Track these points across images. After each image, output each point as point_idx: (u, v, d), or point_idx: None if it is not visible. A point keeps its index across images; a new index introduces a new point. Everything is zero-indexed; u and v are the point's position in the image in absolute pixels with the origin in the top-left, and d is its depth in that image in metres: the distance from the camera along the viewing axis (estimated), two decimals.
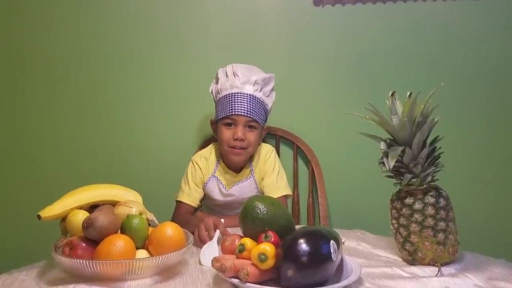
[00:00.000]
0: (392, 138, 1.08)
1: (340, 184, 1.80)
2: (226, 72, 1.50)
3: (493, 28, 1.80)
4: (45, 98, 1.78)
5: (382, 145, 1.08)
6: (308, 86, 1.81)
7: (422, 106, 1.03)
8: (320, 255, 0.85)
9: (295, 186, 1.77)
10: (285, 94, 1.79)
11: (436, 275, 0.98)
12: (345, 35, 1.80)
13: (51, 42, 1.76)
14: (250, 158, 1.56)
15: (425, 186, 1.06)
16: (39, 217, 1.02)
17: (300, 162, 1.81)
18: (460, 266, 1.04)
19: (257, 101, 1.46)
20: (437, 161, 1.06)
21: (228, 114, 1.44)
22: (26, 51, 1.76)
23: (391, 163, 1.01)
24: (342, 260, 0.96)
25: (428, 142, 1.06)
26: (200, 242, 1.17)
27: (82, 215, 1.01)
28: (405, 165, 1.05)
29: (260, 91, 1.48)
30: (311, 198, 1.75)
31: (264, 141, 1.76)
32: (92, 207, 1.09)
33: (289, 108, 1.81)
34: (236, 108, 1.43)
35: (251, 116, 1.44)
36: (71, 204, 1.05)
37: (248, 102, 1.44)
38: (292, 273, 0.83)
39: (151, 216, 1.09)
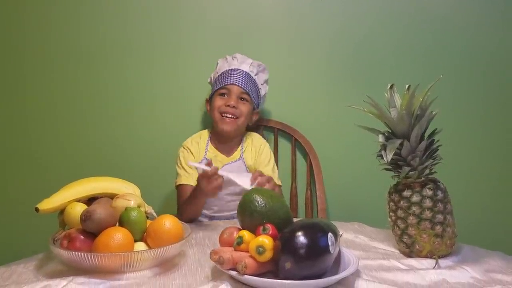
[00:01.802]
0: (390, 131, 1.08)
1: (338, 177, 1.80)
2: (226, 58, 1.61)
3: (492, 20, 1.79)
4: (43, 92, 1.77)
5: (380, 138, 1.08)
6: (306, 78, 1.81)
7: (421, 99, 1.03)
8: (318, 248, 0.86)
9: (293, 179, 1.77)
10: (283, 87, 1.79)
11: (434, 267, 0.98)
12: (343, 27, 1.79)
13: (50, 38, 1.75)
14: (241, 141, 1.60)
15: (423, 179, 1.06)
16: (37, 209, 1.02)
17: (298, 155, 1.81)
18: (458, 259, 1.04)
19: (252, 79, 1.58)
20: (435, 154, 1.06)
21: (223, 84, 1.55)
22: (24, 47, 1.75)
23: (389, 155, 1.01)
24: (340, 252, 0.96)
25: (426, 135, 1.06)
26: (213, 189, 1.29)
27: (80, 207, 1.01)
28: (403, 158, 1.05)
29: (255, 74, 1.59)
30: (309, 191, 1.76)
31: (262, 134, 1.77)
32: (90, 200, 1.09)
33: (287, 101, 1.81)
34: (232, 79, 1.54)
35: (245, 88, 1.54)
36: (69, 196, 1.05)
37: (244, 77, 1.56)
38: (290, 266, 0.83)
39: (149, 209, 1.09)
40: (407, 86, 1.05)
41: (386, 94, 1.07)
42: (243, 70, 1.57)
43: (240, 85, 1.54)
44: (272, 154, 1.64)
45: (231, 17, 1.78)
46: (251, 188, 1.28)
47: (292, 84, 1.81)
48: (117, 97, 1.78)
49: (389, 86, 1.07)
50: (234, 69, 1.57)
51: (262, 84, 1.63)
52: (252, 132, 1.67)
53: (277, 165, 1.74)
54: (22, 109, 1.77)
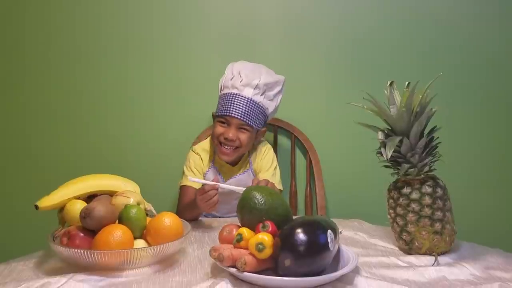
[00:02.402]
0: (390, 128, 1.08)
1: (337, 174, 1.80)
2: (233, 70, 1.50)
3: (491, 17, 1.79)
4: (43, 90, 1.76)
5: (380, 135, 1.08)
6: (306, 76, 1.80)
7: (420, 96, 1.03)
8: (318, 245, 0.86)
9: (292, 176, 1.77)
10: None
11: (433, 264, 0.98)
12: (343, 24, 1.79)
13: (48, 35, 1.75)
14: (248, 154, 1.57)
15: (422, 176, 1.06)
16: (36, 207, 1.02)
17: (298, 152, 1.81)
18: (457, 256, 1.05)
19: (255, 105, 1.47)
20: (434, 151, 1.06)
21: (223, 113, 1.46)
22: (24, 45, 1.75)
23: (388, 153, 1.01)
24: (339, 249, 0.96)
25: (425, 132, 1.06)
26: (208, 207, 1.27)
27: (80, 205, 1.01)
28: (403, 155, 1.05)
29: (261, 94, 1.48)
30: (308, 188, 1.76)
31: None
32: (89, 197, 1.09)
33: (286, 98, 1.80)
34: (232, 109, 1.45)
35: (245, 120, 1.45)
36: (69, 194, 1.05)
37: (245, 106, 1.45)
38: (290, 263, 0.84)
39: (149, 206, 1.09)
40: (406, 83, 1.05)
41: (385, 91, 1.07)
42: (245, 98, 1.45)
43: (239, 117, 1.44)
44: (275, 159, 1.61)
45: (231, 16, 1.77)
46: None
47: (291, 82, 1.79)
48: (117, 96, 1.78)
49: (388, 83, 1.07)
50: (236, 95, 1.45)
51: (271, 100, 1.51)
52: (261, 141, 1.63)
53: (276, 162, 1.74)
54: (22, 107, 1.77)
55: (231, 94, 1.46)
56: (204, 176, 1.54)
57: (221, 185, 1.28)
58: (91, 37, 1.76)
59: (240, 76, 1.47)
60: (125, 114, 1.78)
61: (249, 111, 1.46)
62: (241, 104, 1.45)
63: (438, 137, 1.07)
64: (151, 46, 1.77)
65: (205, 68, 1.71)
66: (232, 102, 1.45)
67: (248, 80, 1.46)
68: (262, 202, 0.98)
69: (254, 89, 1.46)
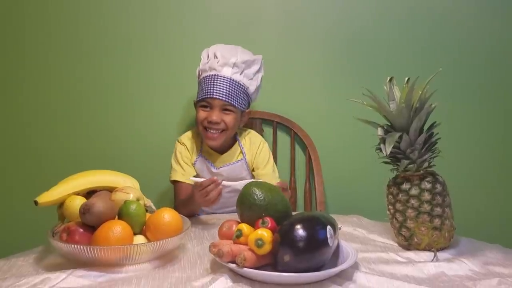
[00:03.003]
0: (389, 124, 1.08)
1: (337, 170, 1.80)
2: (208, 53, 1.48)
3: (491, 12, 1.79)
4: (42, 86, 1.76)
5: (380, 131, 1.08)
6: (306, 71, 1.80)
7: (420, 92, 1.02)
8: (317, 241, 0.86)
9: (292, 172, 1.77)
10: (282, 79, 1.79)
11: (432, 260, 0.99)
12: (343, 19, 1.79)
13: (49, 32, 1.74)
14: (236, 139, 1.55)
15: (421, 172, 1.06)
16: (36, 203, 1.02)
17: (297, 148, 1.81)
18: (456, 251, 1.05)
19: (236, 84, 1.44)
20: (434, 147, 1.06)
21: (204, 96, 1.43)
22: (24, 42, 1.74)
23: (388, 149, 1.01)
24: (338, 245, 0.97)
25: (425, 128, 1.06)
26: (207, 203, 1.24)
27: (79, 201, 1.01)
28: (402, 151, 1.05)
29: (240, 73, 1.45)
30: (308, 184, 1.76)
31: (261, 128, 1.77)
32: (89, 193, 1.09)
33: (286, 94, 1.81)
34: (213, 91, 1.41)
35: (227, 100, 1.42)
36: (68, 190, 1.05)
37: (226, 85, 1.42)
38: (289, 258, 0.84)
39: (148, 202, 1.09)
40: (406, 79, 1.05)
41: (385, 87, 1.07)
42: (224, 77, 1.42)
43: (221, 98, 1.41)
44: (271, 153, 1.59)
45: (229, 11, 1.76)
46: None
47: (291, 77, 1.80)
48: (115, 91, 1.77)
49: (388, 79, 1.07)
50: (215, 76, 1.42)
51: (251, 79, 1.48)
52: (249, 130, 1.63)
53: (276, 158, 1.74)
54: (21, 103, 1.76)
55: (209, 76, 1.43)
56: (194, 165, 1.53)
57: (224, 183, 1.24)
58: (90, 34, 1.75)
59: (216, 57, 1.44)
60: (125, 110, 1.78)
61: (231, 90, 1.42)
62: (222, 85, 1.42)
63: (437, 133, 1.07)
64: (150, 43, 1.76)
65: None
66: (212, 84, 1.42)
67: (225, 60, 1.43)
68: (262, 198, 0.98)
69: (232, 68, 1.43)
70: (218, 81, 1.42)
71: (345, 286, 0.85)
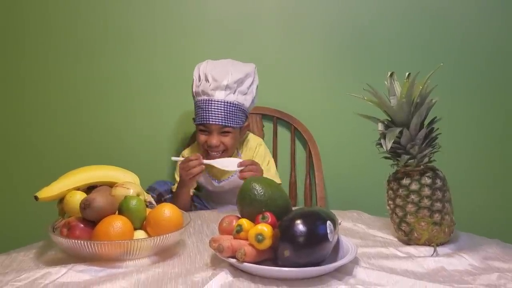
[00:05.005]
0: (390, 119, 1.07)
1: (337, 166, 1.80)
2: (199, 74, 1.48)
3: (492, 8, 1.78)
4: (43, 82, 1.76)
5: (380, 126, 1.08)
6: (306, 67, 1.80)
7: (421, 87, 1.02)
8: (317, 236, 0.86)
9: (292, 167, 1.77)
10: (282, 75, 1.79)
11: (432, 255, 0.99)
12: (343, 14, 1.78)
13: (49, 30, 1.74)
14: (238, 150, 1.57)
15: (422, 167, 1.06)
16: (36, 198, 1.02)
17: (297, 144, 1.81)
18: (456, 246, 1.05)
19: (230, 105, 1.44)
20: (434, 142, 1.06)
21: (201, 122, 1.45)
22: (24, 38, 1.74)
23: (388, 144, 1.01)
24: (338, 240, 0.97)
25: (426, 123, 1.06)
26: (189, 176, 1.37)
27: (80, 196, 1.01)
28: (403, 146, 1.05)
29: (234, 93, 1.45)
30: (308, 179, 1.76)
31: (261, 124, 1.77)
32: (89, 188, 1.09)
33: (286, 89, 1.80)
34: (208, 116, 1.43)
35: (223, 123, 1.43)
36: (69, 185, 1.05)
37: (220, 109, 1.43)
38: (289, 253, 0.84)
39: (148, 198, 1.09)
40: (407, 74, 1.05)
41: (386, 82, 1.07)
42: (218, 101, 1.42)
43: (218, 122, 1.42)
44: (268, 153, 1.60)
45: (230, 7, 1.76)
46: (237, 169, 1.38)
47: (291, 72, 1.80)
48: (116, 87, 1.77)
49: (389, 74, 1.07)
50: (209, 101, 1.43)
51: (245, 94, 1.47)
52: (247, 134, 1.63)
53: (276, 154, 1.74)
54: (22, 98, 1.76)
55: (203, 100, 1.44)
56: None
57: (205, 161, 1.37)
58: (91, 30, 1.75)
59: (208, 81, 1.44)
60: (125, 106, 1.78)
61: (226, 113, 1.43)
62: (216, 109, 1.43)
63: (438, 128, 1.07)
64: (152, 40, 1.76)
65: (203, 59, 1.69)
66: (207, 109, 1.43)
67: (216, 83, 1.43)
68: (262, 193, 0.98)
69: (225, 90, 1.43)
70: (213, 106, 1.43)
71: (345, 281, 0.85)
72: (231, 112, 1.44)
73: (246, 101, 1.48)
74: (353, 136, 1.76)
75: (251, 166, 1.38)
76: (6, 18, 1.73)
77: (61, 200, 1.05)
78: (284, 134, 1.80)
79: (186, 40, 1.76)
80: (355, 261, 0.93)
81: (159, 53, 1.77)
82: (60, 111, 1.77)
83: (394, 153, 1.07)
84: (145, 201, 1.06)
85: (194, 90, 1.49)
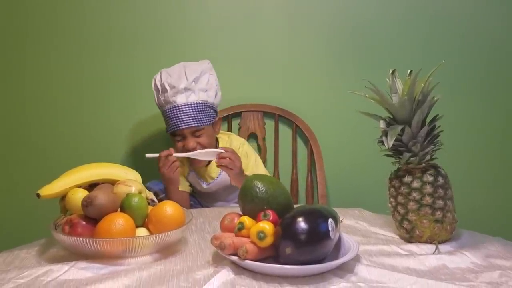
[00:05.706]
0: (391, 117, 1.07)
1: (338, 163, 1.80)
2: (157, 86, 1.48)
3: (494, 5, 1.78)
4: (44, 79, 1.76)
5: (382, 124, 1.08)
6: (307, 64, 1.80)
7: (423, 85, 1.02)
8: (318, 233, 0.86)
9: (293, 165, 1.77)
10: (283, 72, 1.79)
11: (434, 252, 0.99)
12: (344, 11, 1.78)
13: (50, 28, 1.74)
14: (216, 147, 1.56)
15: (423, 164, 1.06)
16: (38, 195, 1.02)
17: (299, 141, 1.81)
18: (457, 244, 1.05)
19: (195, 105, 1.45)
20: (436, 140, 1.06)
21: (172, 130, 1.46)
22: (26, 37, 1.74)
23: (390, 142, 1.01)
24: (340, 238, 0.97)
25: (427, 120, 1.06)
26: (171, 171, 1.42)
27: (82, 193, 1.01)
28: (404, 144, 1.05)
29: (194, 92, 1.46)
30: (309, 177, 1.76)
31: (263, 121, 1.76)
32: (91, 186, 1.09)
33: (287, 87, 1.80)
34: (177, 123, 1.44)
35: (193, 125, 1.44)
36: (70, 182, 1.05)
37: (186, 112, 1.44)
38: (291, 251, 0.84)
39: (150, 195, 1.09)
40: (408, 71, 1.04)
41: (387, 80, 1.07)
42: (181, 105, 1.44)
43: (188, 126, 1.44)
44: (253, 152, 1.61)
45: (232, 4, 1.76)
46: (214, 159, 1.41)
47: (293, 70, 1.80)
48: (118, 86, 1.78)
49: (391, 72, 1.06)
50: (173, 107, 1.44)
51: (206, 91, 1.48)
52: (229, 134, 1.65)
53: (277, 151, 1.74)
54: (23, 96, 1.77)
55: (168, 109, 1.46)
56: (187, 178, 1.58)
57: (175, 154, 1.41)
58: (95, 28, 1.75)
59: (166, 90, 1.45)
60: (126, 104, 1.78)
61: (193, 114, 1.44)
62: (183, 113, 1.44)
63: (440, 126, 1.06)
64: (152, 38, 1.76)
65: (204, 56, 1.69)
66: (174, 116, 1.45)
67: (174, 89, 1.44)
68: (263, 191, 0.98)
69: (184, 93, 1.44)
70: (178, 111, 1.44)
71: (346, 278, 0.85)
72: (197, 112, 1.45)
73: (209, 97, 1.49)
74: (354, 133, 1.76)
75: (228, 153, 1.40)
76: (8, 17, 1.73)
77: (63, 197, 1.05)
78: (285, 132, 1.79)
79: (189, 39, 1.76)
80: (356, 259, 0.93)
81: (162, 52, 1.76)
82: (62, 109, 1.77)
83: (396, 151, 1.07)
84: (147, 198, 1.06)
85: (157, 102, 1.51)
